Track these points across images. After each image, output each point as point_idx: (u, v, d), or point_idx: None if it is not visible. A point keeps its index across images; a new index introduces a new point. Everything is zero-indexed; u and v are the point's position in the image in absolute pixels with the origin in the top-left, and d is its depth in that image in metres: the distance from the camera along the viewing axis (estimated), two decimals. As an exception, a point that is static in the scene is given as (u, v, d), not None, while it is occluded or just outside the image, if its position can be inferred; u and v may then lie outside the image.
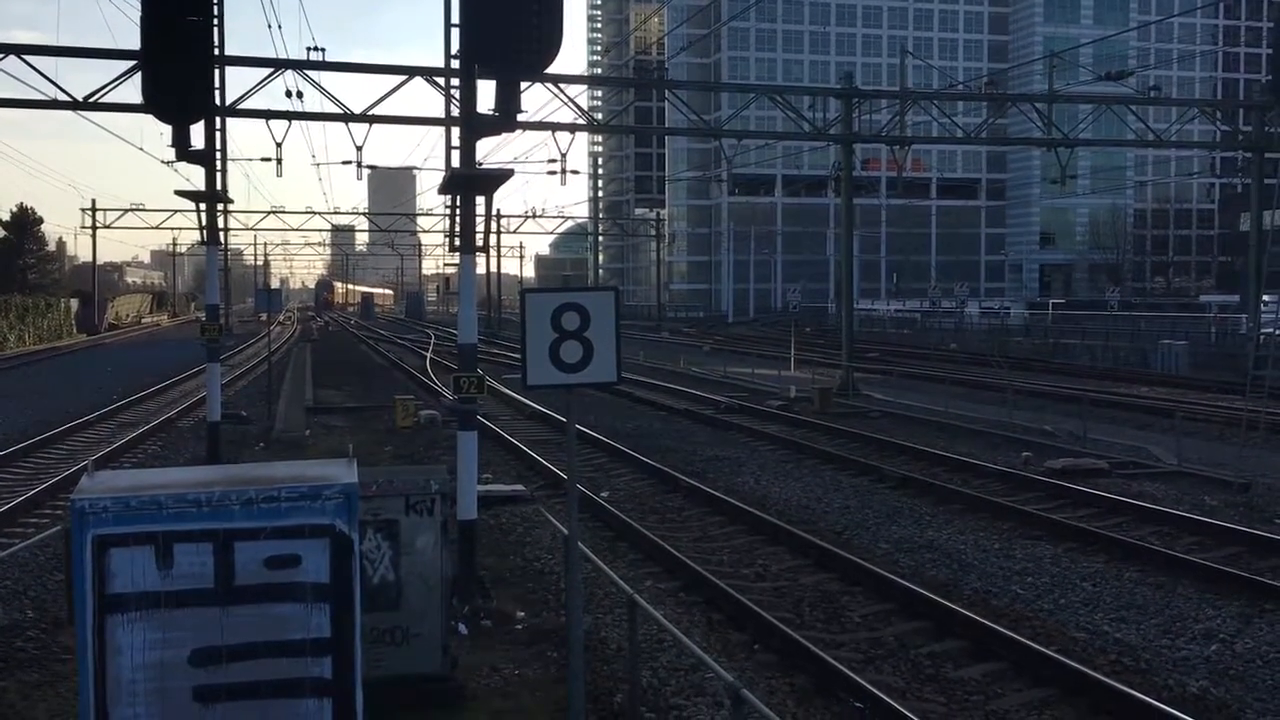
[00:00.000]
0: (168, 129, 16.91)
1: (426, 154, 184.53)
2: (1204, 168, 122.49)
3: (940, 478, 18.01)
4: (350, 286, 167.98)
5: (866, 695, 8.28)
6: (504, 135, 11.89)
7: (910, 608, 10.86)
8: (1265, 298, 34.90)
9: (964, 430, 23.50)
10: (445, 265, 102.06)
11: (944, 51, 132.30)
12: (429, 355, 46.88)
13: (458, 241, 10.86)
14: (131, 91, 23.13)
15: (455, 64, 10.83)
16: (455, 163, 10.69)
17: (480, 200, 10.98)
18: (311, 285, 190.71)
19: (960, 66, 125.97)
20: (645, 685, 8.47)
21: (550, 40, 10.39)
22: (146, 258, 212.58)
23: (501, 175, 10.76)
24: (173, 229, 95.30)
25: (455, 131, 10.79)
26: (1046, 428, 23.21)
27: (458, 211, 10.87)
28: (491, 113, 10.63)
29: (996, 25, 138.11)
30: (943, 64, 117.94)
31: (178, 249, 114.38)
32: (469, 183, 10.67)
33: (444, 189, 11.08)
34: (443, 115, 23.66)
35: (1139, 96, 37.94)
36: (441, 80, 24.74)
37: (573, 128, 29.69)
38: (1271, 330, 34.35)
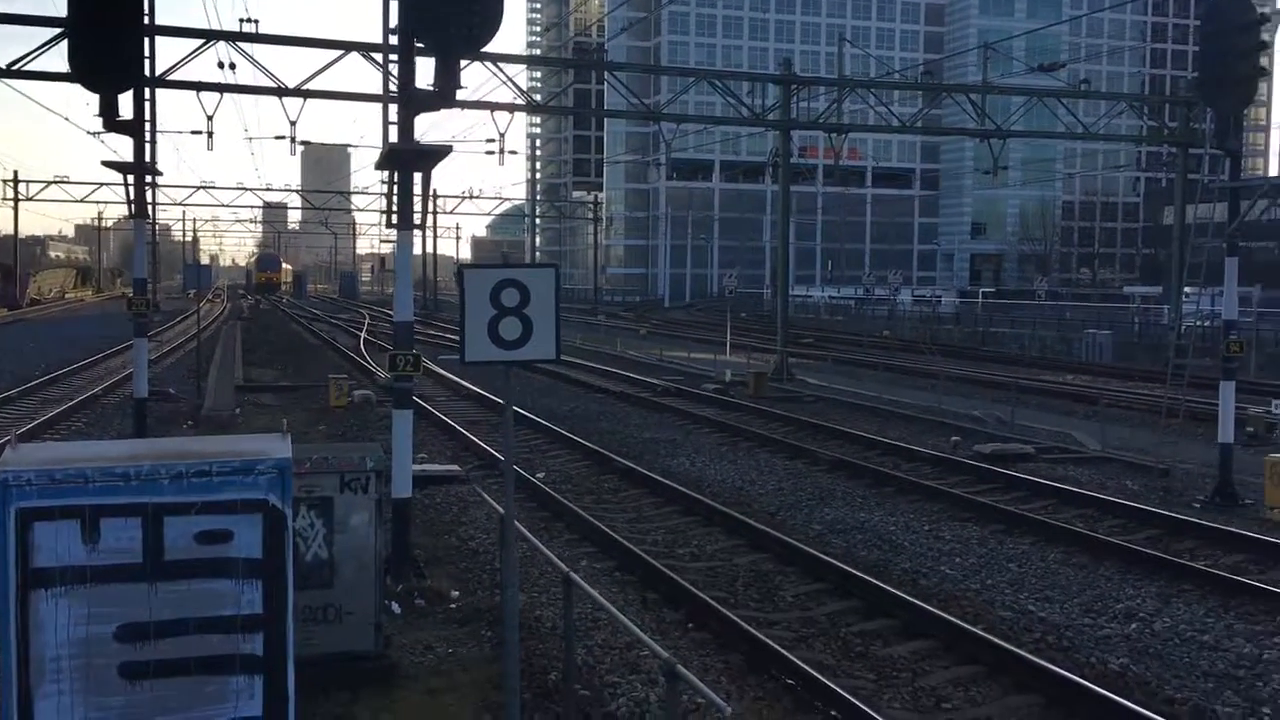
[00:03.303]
0: (94, 99, 16.47)
1: (362, 131, 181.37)
2: (1129, 162, 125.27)
3: (872, 461, 18.26)
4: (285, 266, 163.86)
5: (798, 672, 8.39)
6: (440, 114, 11.80)
7: (842, 587, 11.01)
8: (1187, 290, 35.77)
9: (896, 415, 23.83)
10: (383, 242, 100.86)
11: (881, 41, 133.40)
12: (363, 335, 46.37)
13: (395, 219, 10.74)
14: (58, 59, 22.51)
15: (394, 39, 10.70)
16: (393, 138, 10.57)
17: (418, 177, 10.87)
18: (242, 263, 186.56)
19: (896, 56, 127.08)
20: (580, 663, 8.49)
21: (491, 16, 10.29)
22: (71, 232, 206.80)
23: (441, 151, 10.66)
24: (98, 203, 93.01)
25: (394, 107, 10.66)
26: (975, 413, 23.62)
27: (395, 188, 10.75)
28: (431, 89, 10.51)
29: (932, 16, 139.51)
30: (879, 53, 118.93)
31: (104, 223, 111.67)
32: (407, 159, 10.55)
33: (382, 165, 10.95)
34: (379, 91, 23.39)
35: (1070, 90, 38.63)
36: (378, 56, 24.46)
37: (511, 107, 29.48)
38: (1192, 321, 35.30)
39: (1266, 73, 16.52)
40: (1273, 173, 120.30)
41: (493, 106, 28.61)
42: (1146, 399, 25.88)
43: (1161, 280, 54.88)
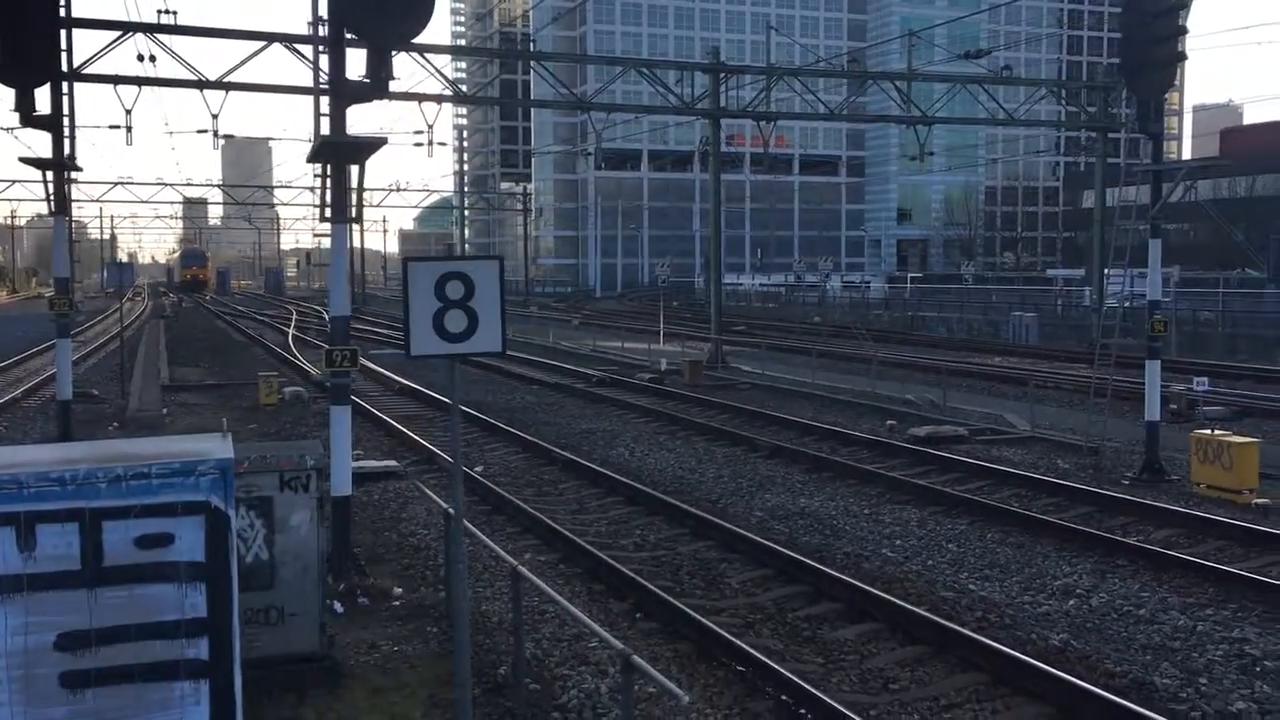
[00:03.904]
0: (9, 93, 16.02)
1: (285, 125, 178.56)
2: (1049, 147, 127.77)
3: (810, 446, 18.40)
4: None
5: (748, 658, 8.42)
6: (366, 106, 11.58)
7: (786, 573, 11.07)
8: (1114, 272, 36.53)
9: (831, 400, 24.05)
10: (316, 236, 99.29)
11: (805, 29, 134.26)
12: (291, 331, 45.66)
13: (329, 212, 10.55)
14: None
15: (323, 30, 10.51)
16: (325, 131, 10.37)
17: (353, 170, 10.69)
18: (162, 260, 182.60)
19: (821, 44, 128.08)
20: (529, 657, 8.44)
21: (422, 6, 10.13)
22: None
23: (375, 143, 10.48)
24: (11, 200, 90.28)
25: (325, 99, 10.46)
26: (909, 397, 23.91)
27: (328, 181, 10.56)
28: (363, 80, 10.34)
29: (855, 4, 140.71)
30: (804, 41, 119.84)
31: (17, 221, 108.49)
32: (341, 151, 10.36)
33: (314, 157, 10.75)
34: (303, 84, 22.96)
35: (992, 76, 39.23)
36: (302, 47, 24.05)
37: (441, 99, 29.21)
38: (1114, 302, 36.06)
39: (1186, 57, 16.89)
40: (1187, 155, 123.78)
41: (422, 98, 28.30)
42: (1073, 379, 26.43)
43: (1083, 262, 56.08)
